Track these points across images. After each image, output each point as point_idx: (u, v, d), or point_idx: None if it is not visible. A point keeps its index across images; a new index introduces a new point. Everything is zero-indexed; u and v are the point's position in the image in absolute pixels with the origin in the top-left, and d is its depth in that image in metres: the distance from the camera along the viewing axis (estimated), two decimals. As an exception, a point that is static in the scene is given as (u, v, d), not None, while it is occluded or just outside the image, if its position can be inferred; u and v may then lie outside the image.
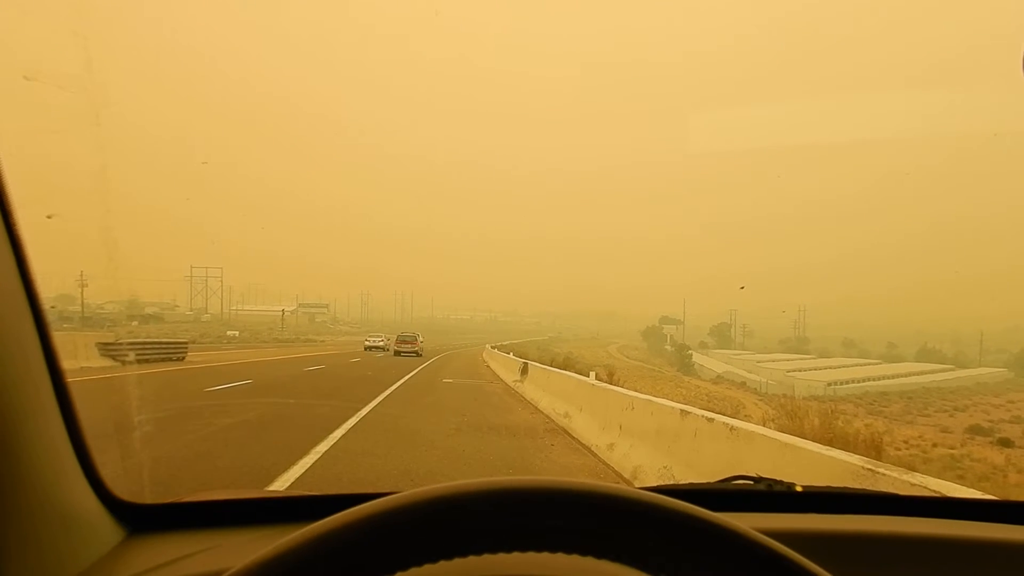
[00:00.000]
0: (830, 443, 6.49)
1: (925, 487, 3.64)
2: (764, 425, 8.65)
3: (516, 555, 0.65)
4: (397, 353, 45.88)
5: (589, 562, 0.66)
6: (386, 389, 17.96)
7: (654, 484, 7.04)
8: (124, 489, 1.33)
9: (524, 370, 20.58)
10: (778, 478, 1.75)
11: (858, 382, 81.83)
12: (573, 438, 10.82)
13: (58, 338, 1.13)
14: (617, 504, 0.65)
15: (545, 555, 0.66)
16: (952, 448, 31.88)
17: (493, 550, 0.64)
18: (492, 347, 49.45)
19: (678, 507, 0.66)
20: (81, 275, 79.91)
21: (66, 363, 1.15)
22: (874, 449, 8.59)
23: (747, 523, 1.26)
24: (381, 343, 53.35)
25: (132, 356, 24.33)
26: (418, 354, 45.23)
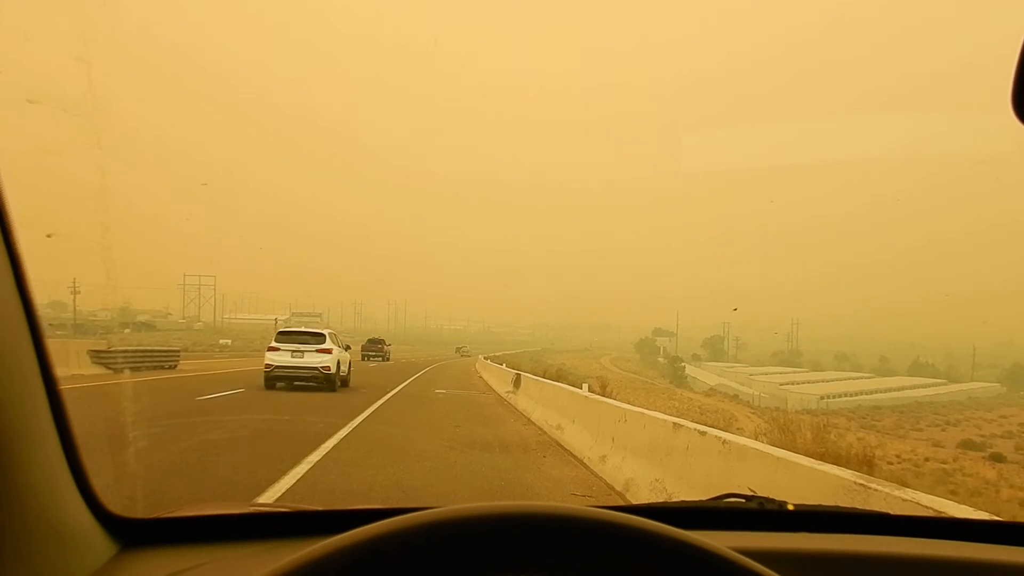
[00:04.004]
0: (822, 457, 6.50)
1: (917, 503, 3.65)
2: (756, 439, 8.65)
3: None
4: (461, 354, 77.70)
5: None
6: (379, 399, 17.91)
7: (646, 497, 7.04)
8: (116, 502, 1.32)
9: (517, 381, 20.55)
10: (770, 492, 1.76)
11: (851, 396, 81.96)
12: (565, 450, 10.80)
13: (51, 345, 1.13)
14: (604, 529, 0.65)
15: None
16: (944, 462, 31.96)
17: (484, 574, 0.64)
18: (485, 358, 49.47)
19: (662, 531, 0.66)
20: (74, 282, 79.78)
21: (58, 371, 1.15)
22: (866, 464, 8.59)
23: (738, 542, 1.27)
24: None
25: (124, 364, 24.20)
26: (468, 355, 69.88)
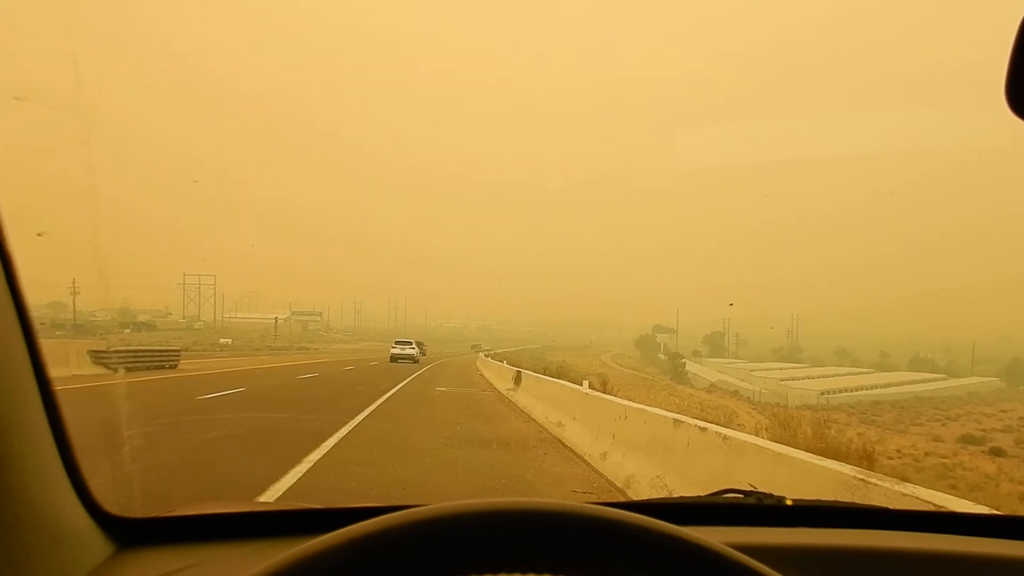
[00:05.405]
0: (823, 453, 6.51)
1: (917, 497, 3.65)
2: (757, 434, 8.66)
3: None
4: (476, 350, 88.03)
5: None
6: (380, 397, 17.92)
7: (646, 493, 7.05)
8: (113, 502, 1.32)
9: (517, 379, 20.56)
10: (771, 488, 1.75)
11: (851, 391, 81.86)
12: (566, 447, 10.81)
13: (50, 345, 1.13)
14: (600, 525, 0.65)
15: None
16: (944, 457, 31.90)
17: (479, 571, 0.64)
18: (485, 355, 49.71)
19: (657, 527, 0.66)
20: (73, 283, 79.72)
21: (58, 371, 1.15)
22: (866, 459, 8.61)
23: (737, 538, 1.27)
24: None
25: (124, 364, 24.19)
26: (481, 350, 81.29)
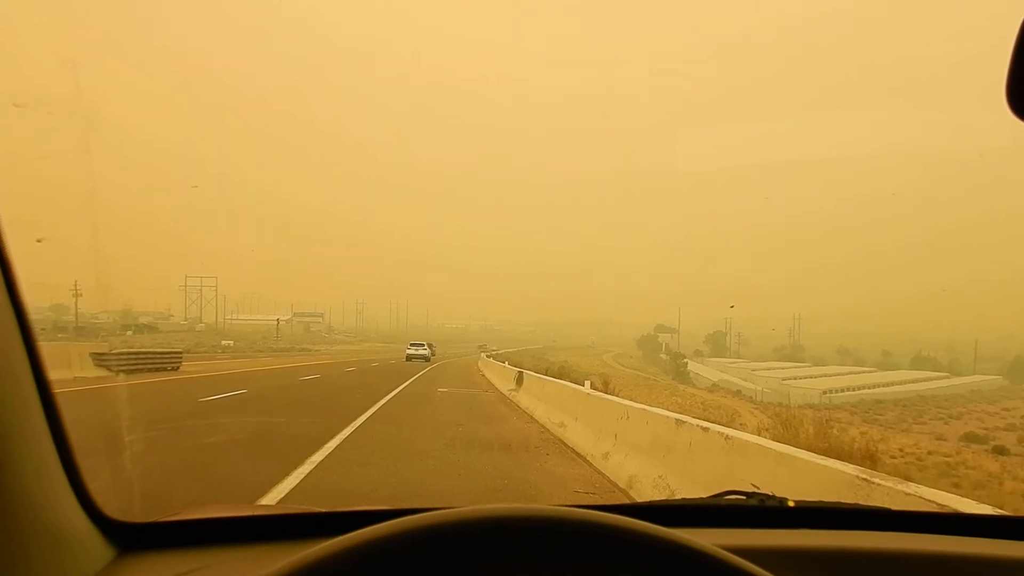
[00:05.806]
0: (825, 452, 6.49)
1: (920, 497, 3.64)
2: (759, 434, 8.65)
3: None
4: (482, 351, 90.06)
5: None
6: (382, 399, 17.93)
7: (649, 493, 7.04)
8: (114, 506, 1.31)
9: (519, 379, 20.56)
10: (773, 488, 1.75)
11: (853, 390, 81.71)
12: (568, 447, 10.80)
13: (52, 348, 1.13)
14: (598, 531, 0.65)
15: None
16: (947, 456, 31.84)
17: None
18: (487, 356, 49.72)
19: (647, 529, 0.66)
20: (75, 286, 79.84)
21: (60, 373, 1.14)
22: (869, 458, 8.59)
23: (739, 540, 1.26)
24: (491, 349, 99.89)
25: (126, 366, 24.20)
26: (488, 351, 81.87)
